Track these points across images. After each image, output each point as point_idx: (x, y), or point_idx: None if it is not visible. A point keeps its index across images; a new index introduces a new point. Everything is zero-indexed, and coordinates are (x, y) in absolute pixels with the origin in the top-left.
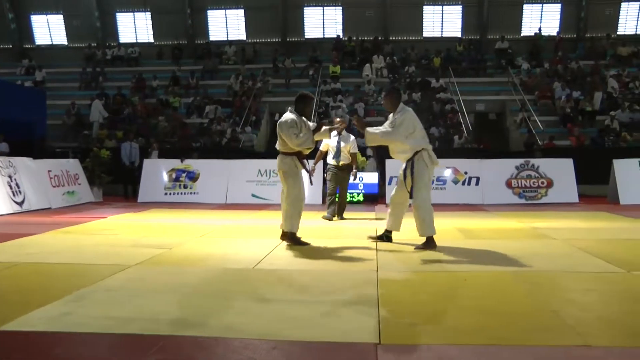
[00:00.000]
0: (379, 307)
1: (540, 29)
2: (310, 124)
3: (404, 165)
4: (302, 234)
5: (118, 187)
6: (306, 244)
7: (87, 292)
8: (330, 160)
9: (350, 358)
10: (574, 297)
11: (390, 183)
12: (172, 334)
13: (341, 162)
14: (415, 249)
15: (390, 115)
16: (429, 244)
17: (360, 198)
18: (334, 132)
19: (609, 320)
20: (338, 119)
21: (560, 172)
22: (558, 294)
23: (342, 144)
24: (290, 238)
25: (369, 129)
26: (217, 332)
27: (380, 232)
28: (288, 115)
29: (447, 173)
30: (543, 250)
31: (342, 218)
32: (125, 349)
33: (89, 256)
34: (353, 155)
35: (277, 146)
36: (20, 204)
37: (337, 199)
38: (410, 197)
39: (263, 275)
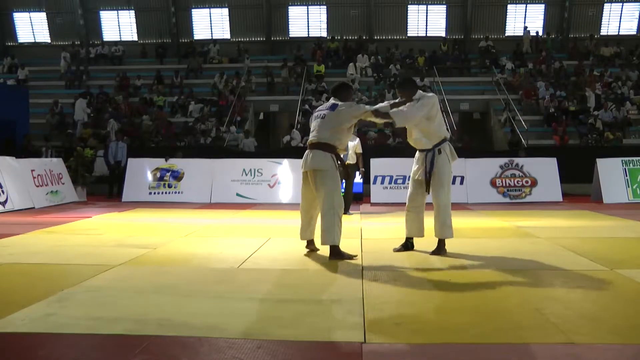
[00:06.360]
0: (364, 306)
1: (526, 29)
2: None
3: (418, 159)
4: (287, 233)
5: (102, 186)
6: (353, 256)
7: (70, 292)
8: None
9: (335, 357)
10: (557, 295)
11: (375, 182)
12: (157, 334)
13: (347, 162)
14: (430, 253)
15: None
16: (442, 248)
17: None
18: None
19: (592, 317)
20: None
21: (544, 171)
22: (542, 292)
23: (350, 143)
24: (335, 253)
25: (392, 110)
26: (201, 332)
27: (366, 232)
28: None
29: None
30: (527, 248)
31: (348, 213)
32: (110, 350)
33: (73, 256)
34: (358, 155)
35: (316, 138)
36: (3, 203)
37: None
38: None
39: (248, 274)
